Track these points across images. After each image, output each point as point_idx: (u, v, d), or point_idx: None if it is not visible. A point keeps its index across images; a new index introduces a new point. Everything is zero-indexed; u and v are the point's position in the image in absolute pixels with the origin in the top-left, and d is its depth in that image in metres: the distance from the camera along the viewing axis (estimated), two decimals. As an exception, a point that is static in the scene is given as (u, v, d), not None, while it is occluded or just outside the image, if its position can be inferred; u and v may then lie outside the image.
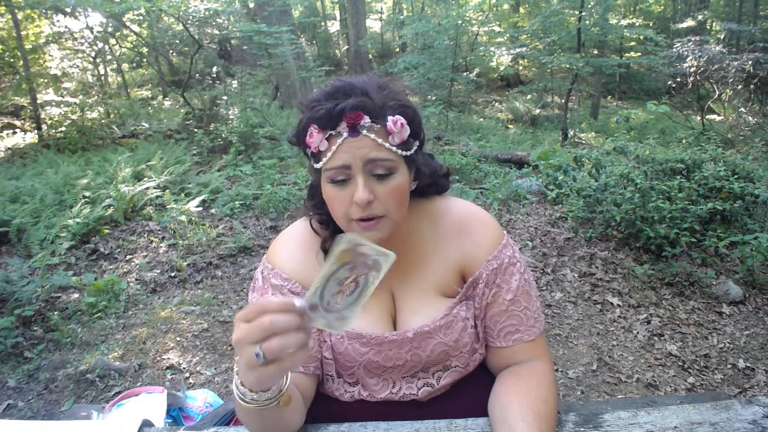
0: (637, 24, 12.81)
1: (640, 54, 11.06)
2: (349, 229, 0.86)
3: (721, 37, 10.12)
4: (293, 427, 0.85)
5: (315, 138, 0.81)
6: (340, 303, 0.63)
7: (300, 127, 0.85)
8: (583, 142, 8.13)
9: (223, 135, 6.65)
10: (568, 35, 8.90)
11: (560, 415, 0.89)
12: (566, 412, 0.91)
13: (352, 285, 0.62)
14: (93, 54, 9.81)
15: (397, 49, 14.61)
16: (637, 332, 2.72)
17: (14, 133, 7.99)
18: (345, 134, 0.80)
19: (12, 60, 8.35)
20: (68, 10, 7.50)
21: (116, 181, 4.82)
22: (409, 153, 0.84)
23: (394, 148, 0.81)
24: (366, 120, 0.79)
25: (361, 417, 0.91)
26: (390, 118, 0.80)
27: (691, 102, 8.91)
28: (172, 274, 3.51)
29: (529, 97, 11.72)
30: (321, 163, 0.83)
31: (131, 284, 3.37)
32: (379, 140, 0.80)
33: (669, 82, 9.12)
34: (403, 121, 0.81)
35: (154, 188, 4.78)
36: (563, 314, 2.92)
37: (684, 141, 6.94)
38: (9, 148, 7.34)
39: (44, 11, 7.98)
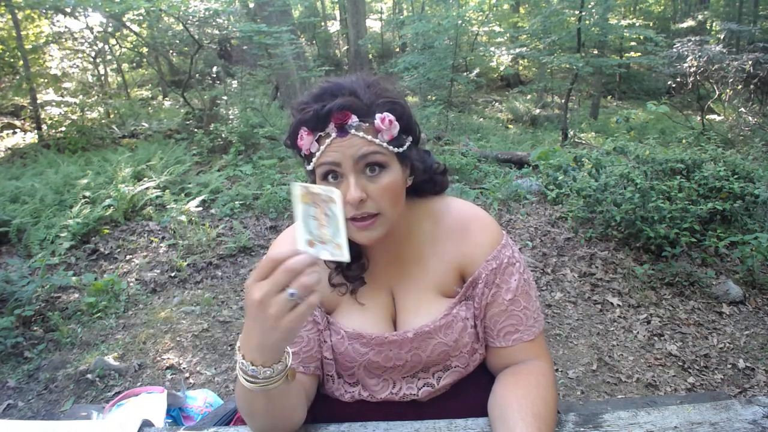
0: (637, 24, 12.83)
1: (640, 54, 11.06)
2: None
3: (721, 37, 10.12)
4: (295, 418, 0.85)
5: (305, 140, 0.82)
6: (326, 233, 0.72)
7: (291, 130, 0.85)
8: (583, 142, 8.13)
9: (223, 135, 6.65)
10: (568, 35, 8.89)
11: (560, 415, 0.89)
12: (566, 412, 0.91)
13: (324, 217, 0.73)
14: (93, 54, 9.80)
15: (397, 49, 14.61)
16: (637, 332, 2.72)
17: (14, 133, 7.98)
18: (334, 134, 0.80)
19: (12, 60, 8.34)
20: (68, 10, 7.50)
21: (116, 181, 4.81)
22: (400, 149, 0.84)
23: (384, 144, 0.82)
24: (354, 119, 0.80)
25: (362, 417, 0.91)
26: (378, 115, 0.81)
27: (691, 102, 8.91)
28: (172, 274, 3.51)
29: (529, 97, 11.72)
30: (312, 164, 0.84)
31: (131, 284, 3.37)
32: (369, 137, 0.80)
33: (669, 82, 9.11)
34: (392, 117, 0.82)
35: (154, 188, 4.78)
36: (563, 314, 2.92)
37: (684, 141, 6.94)
38: (9, 148, 7.34)
39: (44, 11, 7.98)
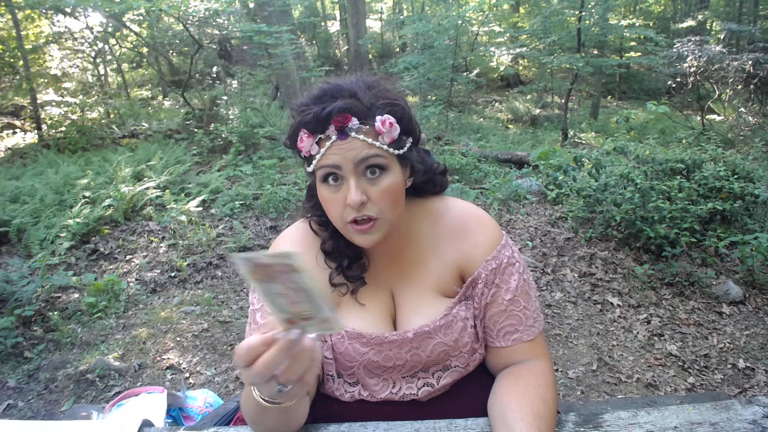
0: (637, 24, 12.82)
1: (640, 54, 11.07)
2: (345, 231, 0.86)
3: (721, 37, 10.11)
4: (301, 420, 0.86)
5: (305, 142, 0.82)
6: (305, 309, 0.59)
7: (291, 132, 0.85)
8: (583, 142, 8.13)
9: (223, 135, 6.65)
10: (568, 35, 8.90)
11: (560, 415, 0.89)
12: (566, 412, 0.91)
13: (291, 292, 0.58)
14: (93, 54, 9.80)
15: (397, 49, 14.61)
16: (637, 332, 2.72)
17: (14, 133, 7.98)
18: (334, 137, 0.80)
19: (12, 60, 8.34)
20: (68, 10, 7.50)
21: (116, 181, 4.82)
22: (401, 151, 0.84)
23: (384, 147, 0.81)
24: (354, 122, 0.79)
25: (361, 417, 0.91)
26: (378, 118, 0.80)
27: (691, 102, 8.91)
28: (172, 274, 3.51)
29: (529, 97, 11.72)
30: (312, 166, 0.83)
31: (131, 284, 3.37)
32: (369, 140, 0.80)
33: (669, 82, 9.12)
34: (392, 120, 0.81)
35: (154, 188, 4.78)
36: (563, 314, 2.92)
37: (684, 141, 6.94)
38: (9, 148, 7.34)
39: (44, 11, 7.98)
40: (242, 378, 0.63)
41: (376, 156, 0.81)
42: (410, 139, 0.88)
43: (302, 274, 0.56)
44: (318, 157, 0.81)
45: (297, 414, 0.80)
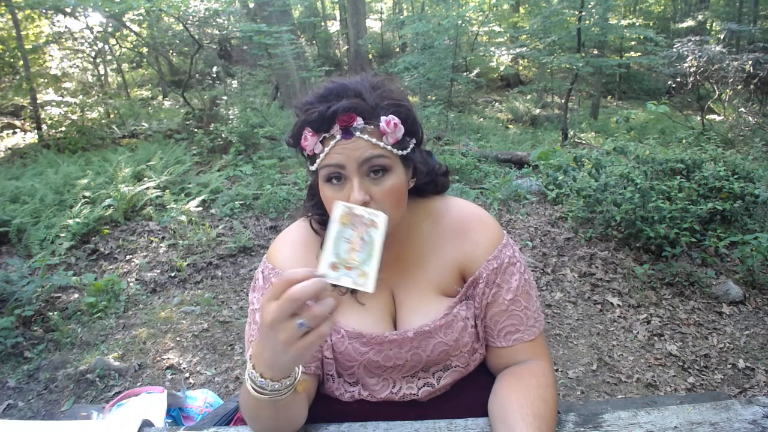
0: (637, 24, 12.82)
1: (640, 54, 11.07)
2: None
3: (721, 37, 10.12)
4: (299, 420, 0.86)
5: (309, 141, 0.82)
6: (356, 259, 0.68)
7: (295, 130, 0.85)
8: (583, 142, 8.13)
9: (223, 135, 6.65)
10: (568, 35, 8.89)
11: (560, 415, 0.89)
12: (566, 412, 0.91)
13: (360, 241, 0.68)
14: (93, 54, 9.80)
15: (397, 49, 14.61)
16: (637, 332, 2.72)
17: (14, 133, 7.98)
18: (338, 136, 0.80)
19: (12, 60, 8.34)
20: (68, 10, 7.50)
21: (116, 181, 4.82)
22: (404, 152, 0.84)
23: (389, 148, 0.81)
24: (359, 122, 0.79)
25: (361, 417, 0.91)
26: (383, 118, 0.80)
27: (691, 102, 8.91)
28: (172, 274, 3.51)
29: (529, 97, 11.72)
30: (316, 165, 0.83)
31: (131, 284, 3.37)
32: (374, 140, 0.80)
33: (669, 82, 9.11)
34: (397, 120, 0.81)
35: (154, 188, 4.78)
36: (563, 314, 2.92)
37: (684, 141, 6.94)
38: (9, 148, 7.34)
39: (44, 11, 7.98)
40: (265, 316, 0.65)
41: (380, 156, 0.81)
42: (414, 140, 0.88)
43: (379, 231, 0.70)
44: (322, 156, 0.81)
45: (290, 412, 0.80)
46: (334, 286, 0.69)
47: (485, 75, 12.65)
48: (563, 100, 9.05)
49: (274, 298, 0.64)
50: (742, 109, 7.90)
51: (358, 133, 0.79)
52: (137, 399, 1.55)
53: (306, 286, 0.63)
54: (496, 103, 12.43)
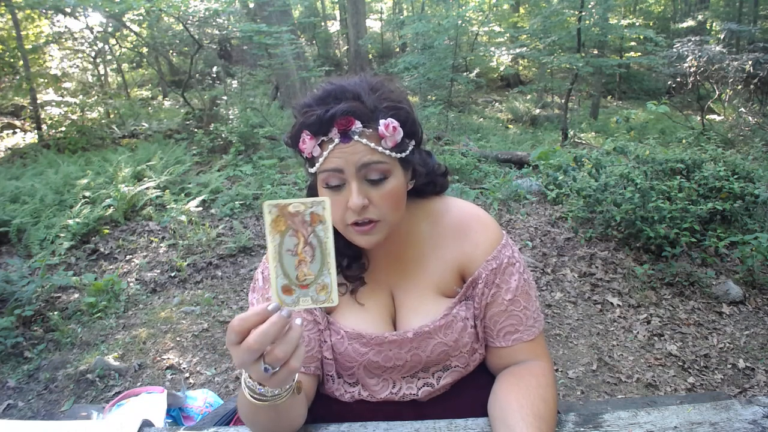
0: (637, 24, 12.81)
1: (640, 54, 11.06)
2: (346, 233, 0.86)
3: (721, 37, 10.12)
4: (299, 420, 0.85)
5: (308, 144, 0.81)
6: (309, 272, 0.59)
7: (293, 133, 0.85)
8: (583, 142, 8.13)
9: (223, 135, 6.65)
10: (568, 35, 8.89)
11: (560, 415, 0.89)
12: (566, 412, 0.91)
13: (307, 249, 0.58)
14: (93, 54, 9.80)
15: (397, 49, 14.60)
16: (637, 332, 2.72)
17: (14, 133, 7.98)
18: (337, 140, 0.79)
19: (12, 60, 8.34)
20: (68, 10, 7.50)
21: (116, 181, 4.82)
22: (403, 155, 0.84)
23: (387, 152, 0.81)
24: (357, 125, 0.79)
25: (361, 417, 0.91)
26: (382, 122, 0.79)
27: (691, 102, 8.91)
28: (172, 274, 3.51)
29: (529, 97, 11.71)
30: (315, 168, 0.83)
31: (131, 284, 3.37)
32: (372, 144, 0.79)
33: (669, 82, 9.11)
34: (395, 124, 0.80)
35: (154, 188, 4.78)
36: (563, 314, 2.92)
37: (684, 141, 6.94)
38: (9, 148, 7.34)
39: (44, 11, 7.98)
40: (233, 359, 0.62)
41: (379, 162, 0.80)
42: (413, 142, 0.87)
43: (327, 225, 0.58)
44: (321, 160, 0.81)
45: (290, 414, 0.79)
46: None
47: (485, 75, 12.64)
48: (563, 100, 9.05)
49: (235, 343, 0.61)
50: (742, 109, 7.89)
51: (356, 137, 0.79)
52: (137, 399, 1.55)
53: (262, 334, 0.59)
54: (496, 103, 12.43)
